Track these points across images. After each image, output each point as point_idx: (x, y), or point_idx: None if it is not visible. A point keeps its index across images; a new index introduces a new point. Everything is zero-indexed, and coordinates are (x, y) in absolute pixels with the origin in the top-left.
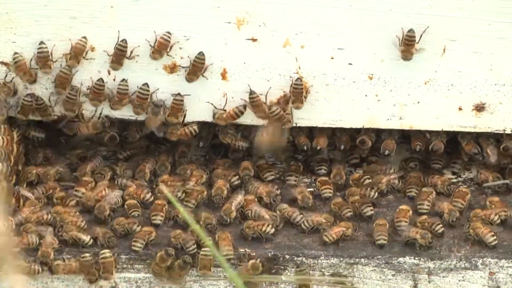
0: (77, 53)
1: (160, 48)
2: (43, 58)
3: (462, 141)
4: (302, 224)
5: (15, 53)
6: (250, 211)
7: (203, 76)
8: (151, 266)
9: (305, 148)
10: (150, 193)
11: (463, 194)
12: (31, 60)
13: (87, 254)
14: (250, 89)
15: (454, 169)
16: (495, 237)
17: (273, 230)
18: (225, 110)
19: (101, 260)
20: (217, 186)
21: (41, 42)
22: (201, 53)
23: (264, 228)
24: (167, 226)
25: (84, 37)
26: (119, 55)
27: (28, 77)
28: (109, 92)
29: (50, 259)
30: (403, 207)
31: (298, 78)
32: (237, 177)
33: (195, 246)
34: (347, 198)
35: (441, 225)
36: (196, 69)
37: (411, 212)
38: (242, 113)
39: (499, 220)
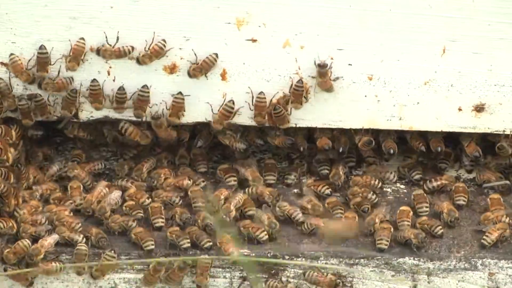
0: (77, 55)
1: (153, 54)
2: (43, 63)
3: (464, 143)
4: (302, 227)
5: (11, 54)
6: (252, 213)
7: (205, 76)
8: (145, 275)
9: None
10: (149, 198)
11: (462, 189)
12: (29, 60)
13: (82, 246)
14: (261, 91)
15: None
16: (490, 241)
17: (266, 237)
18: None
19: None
20: (215, 194)
21: (42, 47)
22: (215, 54)
23: (258, 233)
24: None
25: (82, 38)
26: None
27: (26, 77)
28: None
29: (38, 258)
30: (404, 208)
31: (299, 80)
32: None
33: (187, 241)
34: (349, 199)
35: (440, 227)
36: (205, 66)
37: (411, 213)
38: (232, 108)
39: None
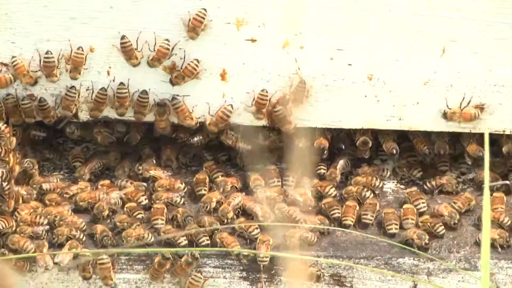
0: (77, 66)
1: (159, 56)
2: (50, 68)
3: (465, 143)
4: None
5: (13, 56)
6: (248, 208)
7: (195, 77)
8: (150, 271)
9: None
10: (146, 198)
11: (464, 199)
12: (29, 63)
13: (86, 250)
14: (263, 88)
15: (462, 169)
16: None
17: (259, 234)
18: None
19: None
20: (208, 196)
21: (48, 52)
22: (197, 60)
23: (251, 229)
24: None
25: (80, 48)
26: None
27: (28, 80)
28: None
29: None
30: (408, 206)
31: (301, 80)
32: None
33: (184, 239)
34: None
35: (442, 226)
36: (187, 73)
37: (415, 210)
38: (231, 112)
39: (510, 222)
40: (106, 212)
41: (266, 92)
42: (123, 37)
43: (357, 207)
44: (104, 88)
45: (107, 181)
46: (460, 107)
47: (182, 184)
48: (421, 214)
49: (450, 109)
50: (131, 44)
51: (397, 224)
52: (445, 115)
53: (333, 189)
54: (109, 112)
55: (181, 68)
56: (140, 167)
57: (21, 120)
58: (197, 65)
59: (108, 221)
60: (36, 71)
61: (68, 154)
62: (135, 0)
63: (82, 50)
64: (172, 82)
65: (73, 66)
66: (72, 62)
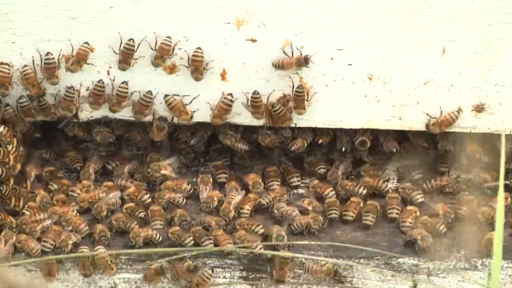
0: (80, 59)
1: (162, 53)
2: (51, 69)
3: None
4: (292, 226)
5: (25, 65)
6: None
7: (205, 69)
8: (147, 274)
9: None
10: (147, 195)
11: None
12: (33, 62)
13: (84, 248)
14: (255, 90)
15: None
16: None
17: (262, 230)
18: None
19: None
20: (209, 195)
21: (48, 53)
22: (199, 48)
23: (254, 228)
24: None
25: (87, 43)
26: (127, 55)
27: (37, 90)
28: (108, 94)
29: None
30: (410, 207)
31: (299, 85)
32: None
33: (191, 239)
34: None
35: (443, 225)
36: (197, 64)
37: (418, 213)
38: (232, 101)
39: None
40: (105, 213)
41: (258, 94)
42: (47, 54)
43: (361, 204)
44: (102, 80)
45: (110, 183)
46: (437, 118)
47: (188, 185)
48: (417, 205)
49: (429, 120)
50: (55, 62)
51: (398, 210)
52: (428, 128)
53: (333, 191)
54: (109, 112)
55: (188, 65)
56: (150, 168)
57: (26, 128)
58: (202, 54)
59: (108, 221)
60: (41, 82)
61: (66, 156)
62: (135, 0)
63: (88, 45)
64: (196, 79)
65: (76, 59)
66: (77, 55)
